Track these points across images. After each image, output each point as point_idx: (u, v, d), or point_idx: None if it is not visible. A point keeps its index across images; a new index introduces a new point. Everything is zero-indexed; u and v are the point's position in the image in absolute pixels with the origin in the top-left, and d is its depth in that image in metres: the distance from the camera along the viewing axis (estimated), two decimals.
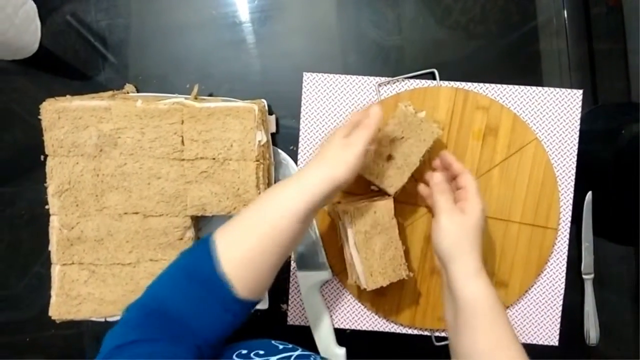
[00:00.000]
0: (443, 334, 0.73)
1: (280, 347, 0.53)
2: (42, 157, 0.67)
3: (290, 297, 0.74)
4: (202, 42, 0.74)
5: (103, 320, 0.67)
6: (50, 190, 0.66)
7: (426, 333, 0.73)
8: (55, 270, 0.66)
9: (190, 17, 0.74)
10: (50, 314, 0.66)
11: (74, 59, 0.74)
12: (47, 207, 0.66)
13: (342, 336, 0.73)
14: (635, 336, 0.74)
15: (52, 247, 0.66)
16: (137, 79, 0.73)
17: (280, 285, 0.73)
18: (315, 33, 0.74)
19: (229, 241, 0.51)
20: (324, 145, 0.59)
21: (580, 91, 0.72)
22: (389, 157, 0.64)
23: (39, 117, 0.65)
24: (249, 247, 0.51)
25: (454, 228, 0.57)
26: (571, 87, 0.73)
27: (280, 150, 0.73)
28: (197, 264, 0.50)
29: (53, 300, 0.66)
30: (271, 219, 0.52)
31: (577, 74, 0.74)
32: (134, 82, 0.72)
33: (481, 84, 0.72)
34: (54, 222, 0.66)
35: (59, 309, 0.66)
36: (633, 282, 0.75)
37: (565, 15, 0.74)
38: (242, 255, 0.50)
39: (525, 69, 0.74)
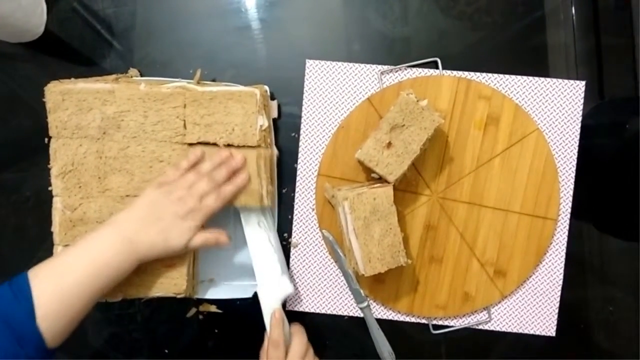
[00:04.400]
0: (440, 322, 0.74)
1: None
2: (46, 140, 0.67)
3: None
4: (207, 29, 0.74)
5: (104, 300, 0.67)
6: (53, 172, 0.67)
7: (423, 321, 0.73)
8: (57, 251, 0.67)
9: (196, 3, 0.74)
10: None
11: (80, 45, 0.74)
12: (50, 188, 0.67)
13: (340, 322, 0.74)
14: (636, 333, 0.74)
15: (55, 228, 0.67)
16: (142, 65, 0.73)
17: None
18: (320, 21, 0.75)
19: (45, 286, 0.52)
20: (155, 199, 0.60)
21: (583, 82, 0.72)
22: (390, 145, 0.64)
23: (44, 99, 0.66)
24: (67, 293, 0.53)
25: None
26: (577, 80, 0.73)
27: None
28: (11, 313, 0.50)
29: None
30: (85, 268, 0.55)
31: (583, 67, 0.73)
32: (138, 67, 0.73)
33: (483, 74, 0.72)
34: (57, 203, 0.67)
35: None
36: (635, 279, 0.75)
37: (573, 9, 0.73)
38: (59, 304, 0.52)
39: (530, 62, 0.74)
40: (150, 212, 0.58)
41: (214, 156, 0.64)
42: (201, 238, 0.61)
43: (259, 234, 0.68)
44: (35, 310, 0.50)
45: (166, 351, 0.75)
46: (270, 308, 0.64)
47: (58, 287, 0.53)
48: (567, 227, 0.73)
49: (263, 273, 0.66)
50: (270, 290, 0.65)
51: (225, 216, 0.71)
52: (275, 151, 0.71)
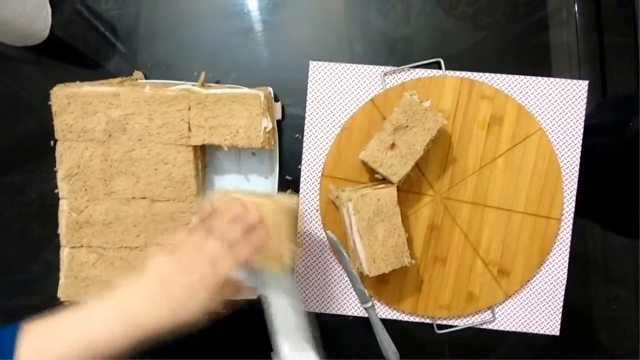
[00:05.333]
0: (444, 322, 0.74)
1: None
2: (52, 143, 0.68)
3: None
4: (210, 31, 0.74)
5: None
6: (59, 175, 0.67)
7: (428, 321, 0.74)
8: (64, 253, 0.68)
9: (199, 5, 0.74)
10: (58, 295, 0.67)
11: (84, 47, 0.75)
12: (56, 191, 0.68)
13: (344, 323, 0.74)
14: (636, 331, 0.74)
15: (61, 230, 0.68)
16: (146, 67, 0.74)
17: None
18: (323, 22, 0.75)
19: (31, 347, 0.47)
20: (165, 271, 0.52)
21: (586, 82, 0.72)
22: (393, 146, 0.64)
23: (49, 102, 0.66)
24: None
25: None
26: (580, 79, 0.73)
27: None
28: None
29: (61, 282, 0.68)
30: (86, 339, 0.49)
31: (586, 67, 0.74)
32: (142, 69, 0.73)
33: (487, 74, 0.72)
34: (63, 205, 0.68)
35: (67, 290, 0.67)
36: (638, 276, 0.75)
37: (576, 8, 0.73)
38: None
39: (533, 62, 0.74)
40: (160, 287, 0.52)
41: (226, 212, 0.56)
42: (216, 305, 0.54)
43: (279, 300, 0.60)
44: None
45: (169, 351, 0.76)
46: None
47: (44, 352, 0.48)
48: (571, 227, 0.73)
49: (285, 346, 0.58)
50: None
51: None
52: (296, 199, 0.68)
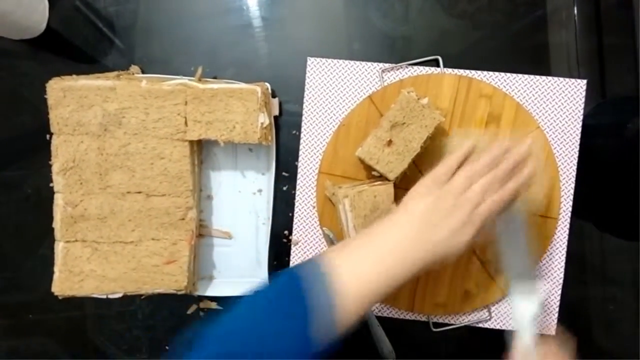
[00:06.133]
0: (441, 320, 0.74)
1: None
2: (47, 136, 0.68)
3: None
4: (208, 26, 0.74)
5: (105, 297, 0.67)
6: (54, 168, 0.67)
7: (424, 319, 0.73)
8: (59, 247, 0.67)
9: (197, 1, 0.74)
10: (53, 289, 0.67)
11: (82, 42, 0.75)
12: (51, 184, 0.67)
13: None
14: (637, 332, 0.74)
15: (56, 224, 0.67)
16: (143, 62, 0.73)
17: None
18: (322, 18, 0.75)
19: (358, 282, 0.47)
20: (426, 207, 0.51)
21: (584, 81, 0.71)
22: (390, 143, 0.64)
23: (45, 96, 0.66)
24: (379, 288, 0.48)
25: None
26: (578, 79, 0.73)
27: None
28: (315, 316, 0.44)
29: (56, 276, 0.67)
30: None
31: (585, 66, 0.73)
32: (139, 64, 0.73)
33: (485, 72, 0.72)
34: (58, 199, 0.67)
35: (62, 285, 0.67)
36: (636, 278, 0.75)
37: (575, 7, 0.73)
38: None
39: (532, 60, 0.74)
40: (423, 231, 0.51)
41: (492, 147, 0.53)
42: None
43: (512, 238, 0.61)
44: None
45: (167, 348, 0.76)
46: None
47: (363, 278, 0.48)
48: (568, 226, 0.72)
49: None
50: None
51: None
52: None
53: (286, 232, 0.74)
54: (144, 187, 0.67)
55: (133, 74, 0.71)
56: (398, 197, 0.65)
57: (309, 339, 0.44)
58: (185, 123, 0.66)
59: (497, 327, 0.73)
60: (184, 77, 0.68)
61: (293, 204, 0.74)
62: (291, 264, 0.74)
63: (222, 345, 0.43)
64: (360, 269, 0.48)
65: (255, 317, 0.45)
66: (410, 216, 0.52)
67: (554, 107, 0.72)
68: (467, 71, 0.72)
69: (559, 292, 0.73)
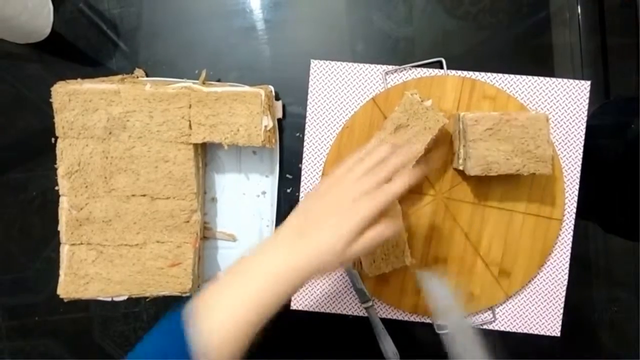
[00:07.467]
0: (445, 322, 0.73)
1: None
2: (52, 140, 0.68)
3: None
4: (212, 29, 0.74)
5: (110, 299, 0.68)
6: (60, 172, 0.67)
7: (428, 320, 0.73)
8: (64, 250, 0.68)
9: (201, 4, 0.74)
10: (58, 292, 0.67)
11: (86, 45, 0.75)
12: (57, 188, 0.68)
13: (344, 322, 0.74)
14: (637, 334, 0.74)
15: (61, 227, 0.68)
16: (147, 65, 0.74)
17: None
18: (325, 21, 0.75)
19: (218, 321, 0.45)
20: (326, 192, 0.51)
21: (588, 82, 0.71)
22: None
23: (50, 99, 0.66)
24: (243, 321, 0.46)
25: None
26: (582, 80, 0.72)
27: None
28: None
29: (61, 279, 0.67)
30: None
31: (589, 67, 0.73)
32: (143, 67, 0.73)
33: (488, 74, 0.72)
34: (64, 202, 0.67)
35: (67, 287, 0.67)
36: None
37: (579, 8, 0.73)
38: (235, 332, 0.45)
39: (535, 62, 0.73)
40: (295, 235, 0.50)
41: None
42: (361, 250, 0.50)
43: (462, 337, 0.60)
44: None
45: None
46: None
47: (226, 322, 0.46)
48: (572, 228, 0.72)
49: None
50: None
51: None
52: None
53: None
54: (148, 190, 0.67)
55: (137, 77, 0.71)
56: (402, 200, 0.65)
57: None
58: (190, 126, 0.66)
59: (502, 328, 0.73)
60: (187, 81, 0.68)
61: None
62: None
63: None
64: (232, 303, 0.46)
65: None
66: (276, 234, 0.50)
67: (557, 108, 0.72)
68: (471, 73, 0.72)
69: (564, 293, 0.73)
